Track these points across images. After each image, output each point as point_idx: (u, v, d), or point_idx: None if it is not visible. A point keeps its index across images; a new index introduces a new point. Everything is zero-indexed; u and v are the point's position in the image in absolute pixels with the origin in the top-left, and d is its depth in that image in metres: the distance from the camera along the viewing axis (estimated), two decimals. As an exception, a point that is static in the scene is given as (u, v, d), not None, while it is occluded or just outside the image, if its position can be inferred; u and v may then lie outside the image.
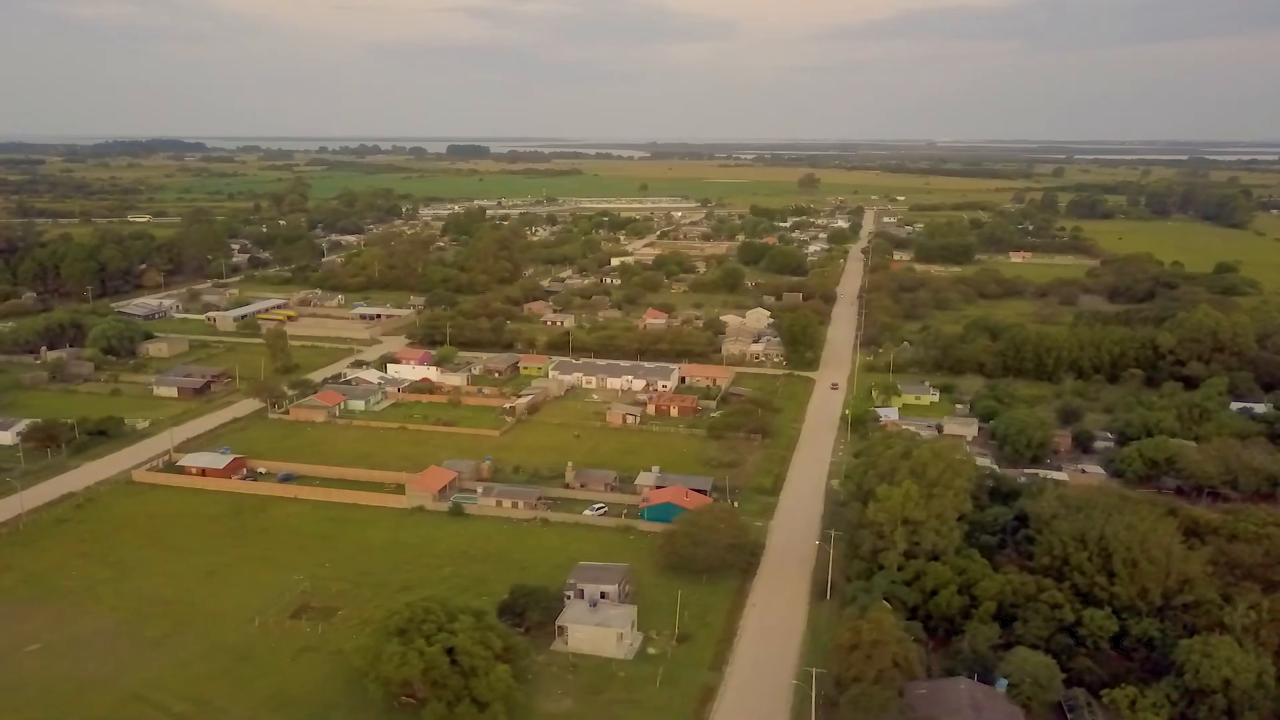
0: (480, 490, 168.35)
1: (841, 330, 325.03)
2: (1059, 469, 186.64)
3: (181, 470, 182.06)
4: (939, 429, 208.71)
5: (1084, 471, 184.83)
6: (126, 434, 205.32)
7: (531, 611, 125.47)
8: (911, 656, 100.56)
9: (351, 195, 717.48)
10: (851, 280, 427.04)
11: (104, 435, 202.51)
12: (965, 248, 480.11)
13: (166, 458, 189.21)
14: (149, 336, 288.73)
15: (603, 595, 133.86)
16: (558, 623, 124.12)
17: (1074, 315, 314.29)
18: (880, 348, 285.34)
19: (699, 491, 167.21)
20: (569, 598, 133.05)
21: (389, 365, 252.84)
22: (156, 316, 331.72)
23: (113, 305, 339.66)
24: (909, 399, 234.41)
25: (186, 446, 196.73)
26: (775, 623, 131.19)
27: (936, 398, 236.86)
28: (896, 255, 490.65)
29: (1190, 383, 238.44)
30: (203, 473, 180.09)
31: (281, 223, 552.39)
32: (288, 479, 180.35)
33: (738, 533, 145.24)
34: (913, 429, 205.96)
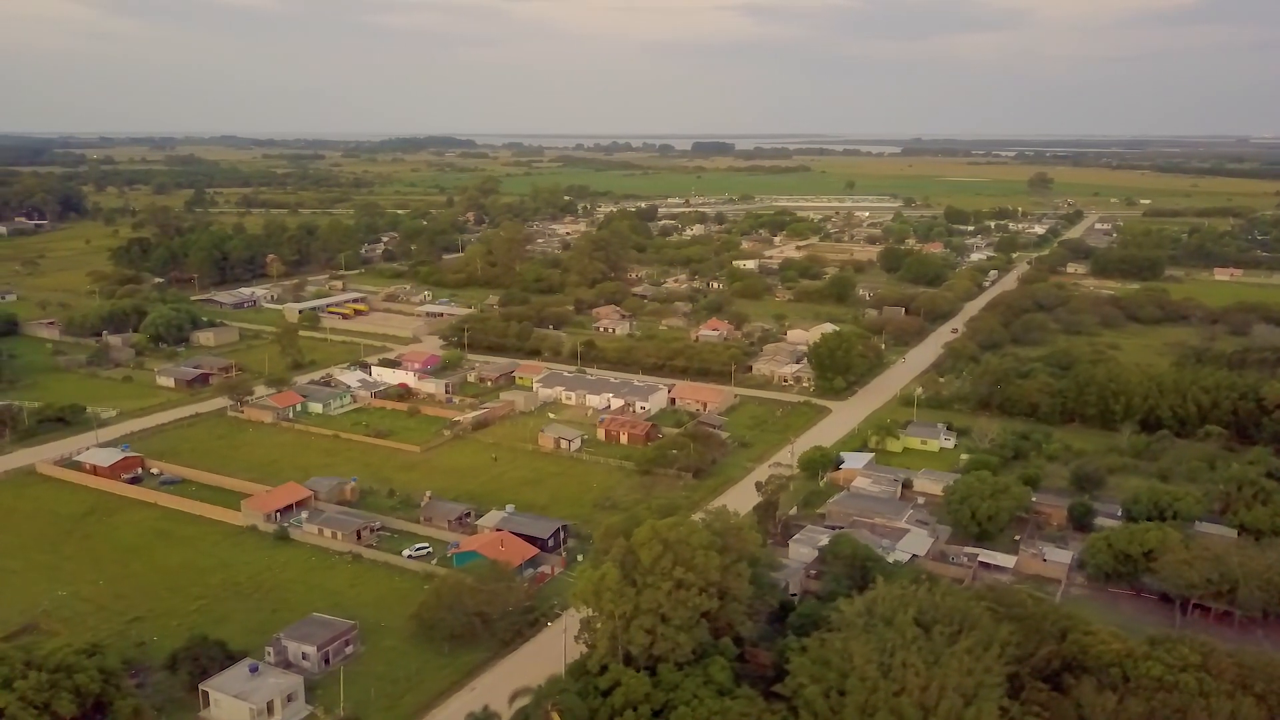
0: (305, 515, 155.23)
1: (929, 353, 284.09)
2: (1014, 552, 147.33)
3: (78, 466, 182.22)
4: (907, 484, 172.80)
5: (1045, 559, 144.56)
6: (86, 422, 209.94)
7: (180, 668, 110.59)
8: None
9: (537, 191, 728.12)
10: (997, 294, 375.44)
11: (63, 423, 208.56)
12: (1152, 261, 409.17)
13: (83, 452, 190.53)
14: (211, 324, 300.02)
15: (304, 656, 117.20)
16: (201, 687, 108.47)
17: (1197, 352, 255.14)
18: (942, 378, 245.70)
19: (532, 540, 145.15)
20: (269, 653, 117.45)
21: (373, 368, 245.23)
22: (246, 305, 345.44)
23: (209, 294, 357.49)
24: (913, 442, 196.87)
25: (128, 439, 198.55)
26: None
27: (950, 444, 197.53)
28: (1071, 268, 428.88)
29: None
30: (94, 470, 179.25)
31: (437, 215, 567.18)
32: (169, 483, 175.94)
33: (492, 599, 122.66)
34: (868, 481, 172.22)
